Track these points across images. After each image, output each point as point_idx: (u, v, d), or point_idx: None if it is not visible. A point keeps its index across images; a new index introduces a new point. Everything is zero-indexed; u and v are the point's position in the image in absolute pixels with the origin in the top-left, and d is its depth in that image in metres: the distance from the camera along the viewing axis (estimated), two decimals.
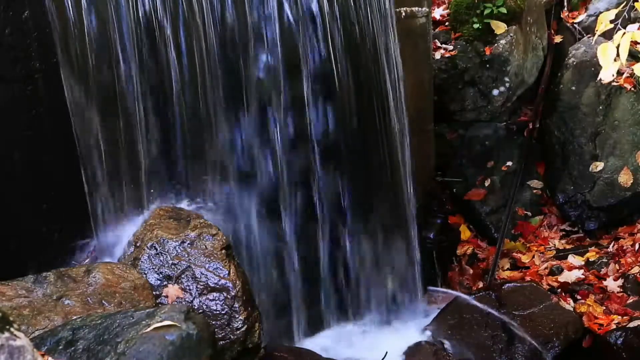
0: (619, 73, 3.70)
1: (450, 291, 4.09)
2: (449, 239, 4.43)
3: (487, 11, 4.63)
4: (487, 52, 4.64)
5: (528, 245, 4.59)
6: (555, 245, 4.57)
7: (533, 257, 4.46)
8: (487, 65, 4.67)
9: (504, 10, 4.61)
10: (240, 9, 3.09)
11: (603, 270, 4.24)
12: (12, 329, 1.40)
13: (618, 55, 2.60)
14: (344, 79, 3.41)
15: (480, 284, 4.34)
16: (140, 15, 2.88)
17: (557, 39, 5.05)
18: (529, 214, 4.74)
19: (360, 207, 3.64)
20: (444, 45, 4.75)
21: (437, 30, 4.79)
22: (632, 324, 3.63)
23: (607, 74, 2.67)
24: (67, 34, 2.71)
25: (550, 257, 4.44)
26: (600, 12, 3.80)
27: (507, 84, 4.71)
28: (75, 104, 2.78)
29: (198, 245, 2.76)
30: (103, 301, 2.49)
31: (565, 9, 5.15)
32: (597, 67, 3.66)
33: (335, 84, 3.38)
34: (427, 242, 4.16)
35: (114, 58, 2.85)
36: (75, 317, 2.31)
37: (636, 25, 2.75)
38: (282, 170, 3.35)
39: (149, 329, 2.00)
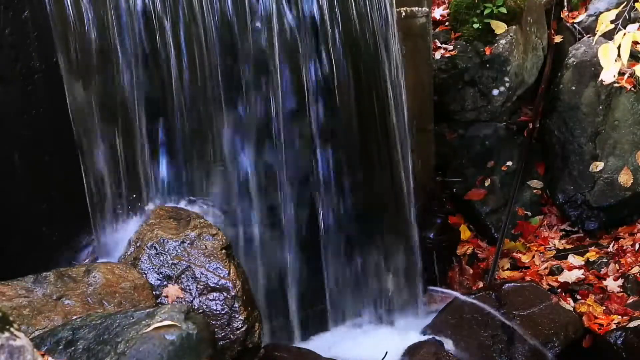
0: (620, 73, 3.70)
1: (450, 291, 4.09)
2: (449, 239, 4.43)
3: (487, 11, 4.63)
4: (487, 52, 4.64)
5: (528, 245, 4.59)
6: (555, 245, 4.56)
7: (533, 257, 4.46)
8: (487, 65, 4.67)
9: (504, 10, 4.61)
10: (240, 11, 3.09)
11: (603, 270, 4.24)
12: (12, 329, 1.40)
13: (619, 55, 2.60)
14: (343, 79, 3.41)
15: (480, 284, 4.34)
16: (139, 14, 2.88)
17: (557, 39, 5.05)
18: (529, 214, 4.74)
19: (361, 207, 3.64)
20: (444, 45, 4.75)
21: (437, 30, 4.78)
22: (632, 324, 3.63)
23: (608, 75, 2.66)
24: (67, 34, 2.71)
25: (550, 257, 4.44)
26: (600, 12, 3.81)
27: (507, 84, 4.71)
28: (75, 103, 2.78)
29: (198, 245, 2.76)
30: (103, 301, 2.49)
31: (565, 9, 5.15)
32: (597, 67, 3.66)
33: (335, 83, 3.38)
34: (427, 242, 4.16)
35: (114, 57, 2.85)
36: (75, 317, 2.31)
37: (636, 25, 2.75)
38: (282, 169, 3.35)
39: (149, 329, 2.00)
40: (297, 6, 3.21)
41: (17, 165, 2.65)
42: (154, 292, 2.64)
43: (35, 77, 2.64)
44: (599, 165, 4.56)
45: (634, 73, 3.91)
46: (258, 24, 3.14)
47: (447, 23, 4.84)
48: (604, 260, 4.30)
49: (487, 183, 4.74)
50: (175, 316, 2.05)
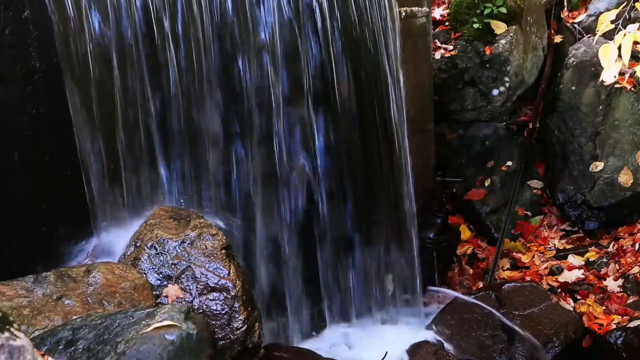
0: (620, 73, 3.70)
1: (450, 291, 4.09)
2: (449, 239, 4.43)
3: (487, 11, 4.63)
4: (487, 52, 4.64)
5: (528, 245, 4.59)
6: (555, 245, 4.57)
7: (533, 257, 4.46)
8: (487, 65, 4.67)
9: (504, 10, 4.61)
10: (239, 10, 3.09)
11: (603, 270, 4.24)
12: (12, 329, 1.40)
13: (619, 56, 2.60)
14: (343, 79, 3.41)
15: (480, 284, 4.34)
16: (139, 14, 2.88)
17: (557, 39, 5.06)
18: (529, 214, 4.74)
19: (361, 207, 3.64)
20: (444, 45, 4.75)
21: (437, 30, 4.79)
22: (632, 324, 3.63)
23: (609, 75, 2.66)
24: (67, 34, 2.71)
25: (550, 257, 4.44)
26: (601, 12, 3.81)
27: (507, 84, 4.71)
28: (76, 103, 2.78)
29: (198, 245, 2.76)
30: (103, 301, 2.48)
31: (565, 9, 5.15)
32: (597, 67, 3.66)
33: (334, 84, 3.38)
34: (427, 242, 4.16)
35: (114, 57, 2.85)
36: (75, 317, 2.30)
37: (636, 25, 2.75)
38: (281, 169, 3.35)
39: (149, 329, 2.00)
40: (296, 6, 3.20)
41: (17, 165, 2.65)
42: (154, 292, 2.64)
43: (35, 77, 2.64)
44: (599, 165, 4.56)
45: (635, 73, 3.91)
46: (257, 24, 3.14)
47: (447, 23, 4.85)
48: (604, 260, 4.30)
49: (487, 183, 4.74)
50: (175, 316, 2.05)
